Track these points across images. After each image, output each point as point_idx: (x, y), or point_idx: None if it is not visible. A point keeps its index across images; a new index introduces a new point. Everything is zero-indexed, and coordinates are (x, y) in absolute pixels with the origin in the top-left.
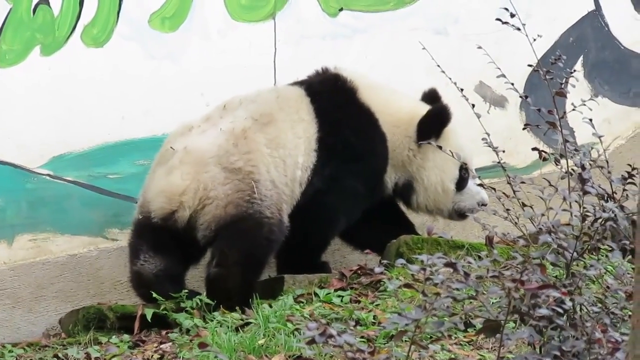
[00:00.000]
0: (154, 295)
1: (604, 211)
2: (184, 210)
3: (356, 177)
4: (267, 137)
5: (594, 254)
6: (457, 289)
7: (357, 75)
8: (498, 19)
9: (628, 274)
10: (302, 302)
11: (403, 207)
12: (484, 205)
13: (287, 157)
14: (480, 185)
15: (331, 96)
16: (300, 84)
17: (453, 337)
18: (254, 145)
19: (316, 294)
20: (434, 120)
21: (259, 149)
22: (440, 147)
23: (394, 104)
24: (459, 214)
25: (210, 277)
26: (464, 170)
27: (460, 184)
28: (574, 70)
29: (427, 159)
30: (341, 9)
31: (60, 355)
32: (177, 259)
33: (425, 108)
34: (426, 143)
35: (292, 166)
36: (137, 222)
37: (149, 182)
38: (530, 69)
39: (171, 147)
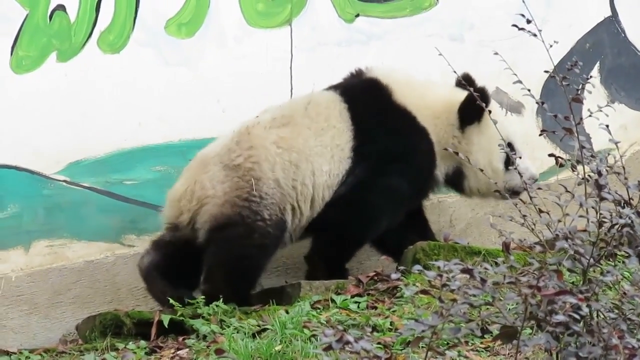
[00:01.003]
0: (171, 300)
1: (620, 217)
2: (184, 215)
3: (399, 176)
4: (280, 136)
5: (611, 260)
6: (474, 295)
7: (392, 75)
8: (514, 25)
9: None
10: (319, 308)
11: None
12: (535, 180)
13: (302, 162)
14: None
15: (366, 102)
16: (335, 88)
17: (470, 344)
18: (258, 142)
19: (333, 300)
20: (474, 104)
21: (264, 145)
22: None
23: (431, 96)
24: (513, 192)
25: (203, 293)
26: (511, 149)
27: (508, 162)
28: (591, 77)
29: (472, 143)
30: (357, 15)
31: None
32: (179, 261)
33: (462, 94)
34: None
35: (309, 172)
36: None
37: None
38: (547, 75)
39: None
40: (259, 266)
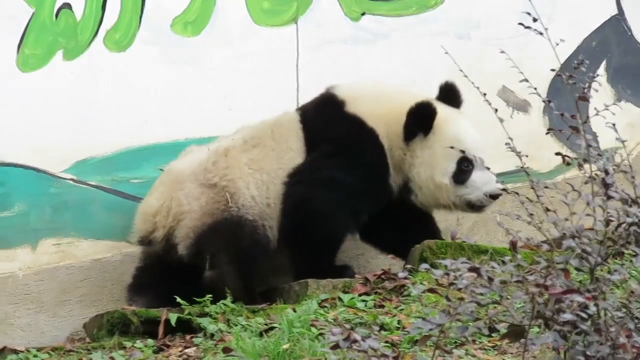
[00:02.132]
0: (178, 299)
1: (627, 216)
2: (158, 230)
3: (341, 170)
4: (250, 158)
5: (618, 258)
6: (481, 294)
7: (353, 88)
8: (520, 24)
9: None
10: (326, 307)
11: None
12: (493, 196)
13: (271, 184)
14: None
15: (317, 117)
16: (299, 109)
17: (477, 342)
18: (233, 162)
19: (340, 299)
20: (414, 118)
21: (239, 167)
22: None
23: (387, 105)
24: (470, 207)
25: (206, 281)
26: (464, 162)
27: (460, 176)
28: (597, 75)
29: (415, 156)
30: (363, 14)
31: (84, 359)
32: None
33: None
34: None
35: (276, 193)
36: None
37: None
38: (553, 73)
39: (160, 169)
40: (254, 258)
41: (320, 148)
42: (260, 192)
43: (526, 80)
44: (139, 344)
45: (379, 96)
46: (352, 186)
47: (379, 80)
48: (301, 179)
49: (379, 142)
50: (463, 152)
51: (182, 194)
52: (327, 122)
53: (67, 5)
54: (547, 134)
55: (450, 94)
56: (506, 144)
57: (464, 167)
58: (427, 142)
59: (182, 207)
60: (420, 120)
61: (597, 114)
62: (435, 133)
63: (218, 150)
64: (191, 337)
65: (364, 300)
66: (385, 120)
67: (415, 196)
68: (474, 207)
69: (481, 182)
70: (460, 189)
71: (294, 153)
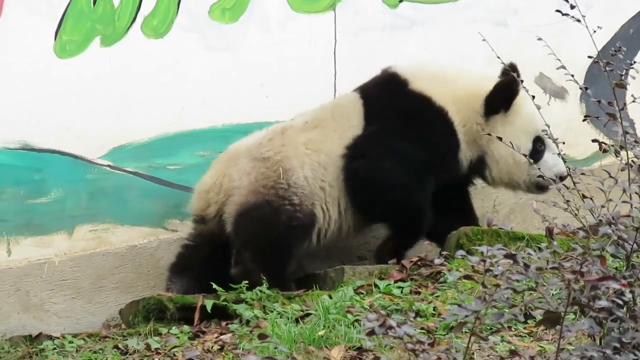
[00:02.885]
0: (214, 286)
1: None
2: (211, 207)
3: (410, 144)
4: (309, 138)
5: None
6: (517, 281)
7: (413, 67)
8: (558, 11)
9: None
10: (362, 294)
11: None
12: (562, 177)
13: (330, 165)
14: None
15: (380, 93)
16: (358, 88)
17: (513, 329)
18: (290, 140)
19: (376, 285)
20: (500, 94)
21: (296, 146)
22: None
23: (455, 83)
24: (537, 187)
25: (233, 277)
26: (538, 142)
27: (534, 155)
28: (634, 62)
29: (495, 132)
30: (401, 1)
31: (120, 346)
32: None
33: (490, 82)
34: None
35: (336, 174)
36: None
37: None
38: (590, 60)
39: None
40: (288, 247)
41: (382, 123)
42: (315, 173)
43: (563, 67)
44: (174, 330)
45: (443, 75)
46: (419, 158)
47: (433, 60)
48: (364, 152)
49: (448, 118)
50: (541, 131)
51: (234, 170)
52: (392, 98)
53: None
54: (584, 121)
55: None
56: (543, 130)
57: (538, 147)
58: (507, 118)
59: (233, 182)
60: (505, 96)
61: (634, 101)
62: (514, 111)
63: (276, 129)
64: (227, 324)
65: (399, 287)
66: (453, 98)
67: (489, 171)
68: (541, 187)
69: (552, 162)
70: (532, 168)
71: (354, 129)
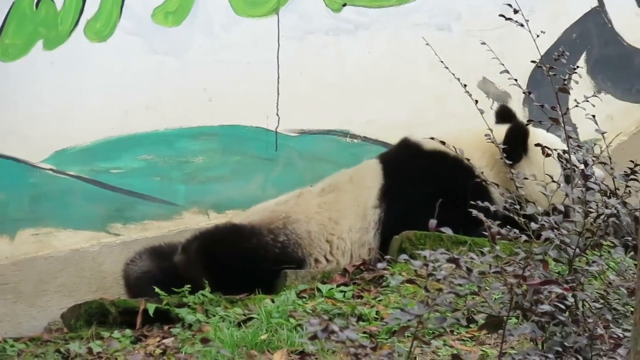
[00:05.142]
0: (157, 290)
1: (606, 207)
2: None
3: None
4: (323, 201)
5: (597, 250)
6: (460, 285)
7: (418, 137)
8: (501, 15)
9: (630, 270)
10: (305, 298)
11: None
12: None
13: (342, 219)
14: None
15: (397, 156)
16: (377, 157)
17: (455, 333)
18: (303, 202)
19: (319, 289)
20: (517, 140)
21: (308, 207)
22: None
23: (465, 140)
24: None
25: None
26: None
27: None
28: (577, 67)
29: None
30: (345, 5)
31: (62, 350)
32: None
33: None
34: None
35: (346, 228)
36: None
37: None
38: (534, 65)
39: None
40: (239, 260)
41: (403, 179)
42: (321, 229)
43: (507, 71)
44: (116, 334)
45: (452, 136)
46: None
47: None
48: (394, 201)
49: (468, 173)
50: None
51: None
52: (408, 158)
53: None
54: (527, 125)
55: (506, 116)
56: (486, 135)
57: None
58: (529, 159)
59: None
60: (520, 140)
61: (577, 106)
62: (532, 151)
63: (294, 193)
64: (169, 328)
65: (342, 291)
66: (470, 152)
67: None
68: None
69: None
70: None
71: (370, 191)
